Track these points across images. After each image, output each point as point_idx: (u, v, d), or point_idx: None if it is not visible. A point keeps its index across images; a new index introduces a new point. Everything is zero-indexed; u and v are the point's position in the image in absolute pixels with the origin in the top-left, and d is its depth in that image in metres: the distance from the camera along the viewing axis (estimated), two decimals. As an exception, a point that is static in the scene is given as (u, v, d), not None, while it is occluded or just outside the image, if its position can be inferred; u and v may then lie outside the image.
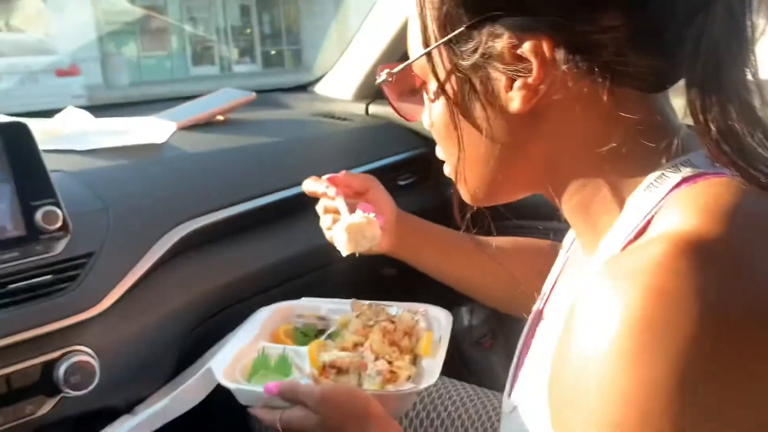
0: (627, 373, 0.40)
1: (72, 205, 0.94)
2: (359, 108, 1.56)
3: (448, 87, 0.57)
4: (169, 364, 1.02)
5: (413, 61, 0.59)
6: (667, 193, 0.50)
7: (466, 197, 0.64)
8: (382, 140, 1.40)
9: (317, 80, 1.73)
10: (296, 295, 1.18)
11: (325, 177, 0.97)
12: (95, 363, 0.91)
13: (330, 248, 1.22)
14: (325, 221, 0.98)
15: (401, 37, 1.41)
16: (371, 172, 1.32)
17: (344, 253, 0.89)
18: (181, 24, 14.09)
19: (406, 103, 0.70)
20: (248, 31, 14.50)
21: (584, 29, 0.49)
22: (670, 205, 0.49)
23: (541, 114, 0.54)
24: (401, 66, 0.64)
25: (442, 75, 0.57)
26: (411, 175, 1.41)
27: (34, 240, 0.89)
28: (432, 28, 0.56)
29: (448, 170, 0.64)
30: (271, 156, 1.26)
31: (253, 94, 1.42)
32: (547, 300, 0.72)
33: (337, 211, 0.94)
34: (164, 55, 14.21)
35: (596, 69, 0.50)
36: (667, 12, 0.49)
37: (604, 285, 0.44)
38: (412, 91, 0.67)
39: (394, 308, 1.00)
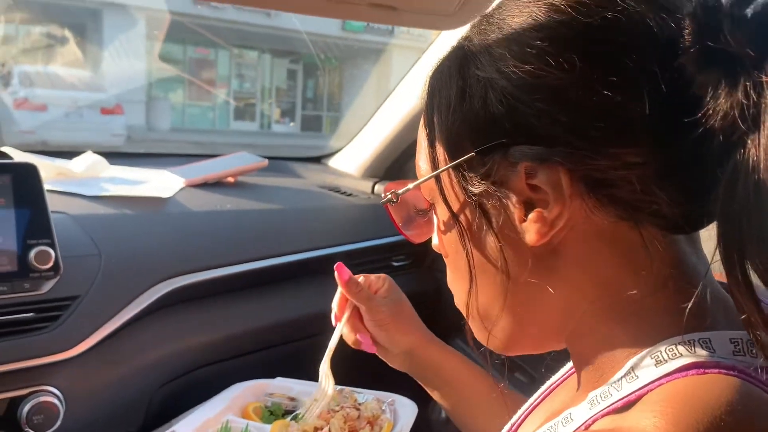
0: None
1: (67, 247, 0.98)
2: (366, 186, 1.60)
3: (460, 212, 0.52)
4: (135, 417, 1.03)
5: (420, 183, 0.56)
6: (672, 373, 0.44)
7: (481, 338, 0.57)
8: (382, 220, 1.42)
9: (332, 153, 1.78)
10: (272, 363, 1.19)
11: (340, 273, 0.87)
12: (60, 406, 0.92)
13: (313, 320, 1.24)
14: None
15: (414, 124, 1.46)
16: (367, 250, 1.34)
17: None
18: (229, 79, 14.55)
19: (412, 224, 0.65)
20: (291, 93, 14.90)
21: (605, 164, 0.44)
22: (665, 393, 0.43)
23: (557, 249, 0.48)
24: (407, 187, 0.60)
25: (451, 200, 0.52)
26: (406, 258, 1.43)
27: (24, 277, 0.92)
28: (440, 150, 0.52)
29: (458, 303, 0.58)
30: (270, 222, 1.30)
31: (265, 161, 1.47)
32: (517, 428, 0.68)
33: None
34: (208, 106, 14.62)
35: (618, 205, 0.45)
36: (699, 149, 0.43)
37: None
38: (420, 211, 0.63)
39: (363, 395, 1.01)
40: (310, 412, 0.90)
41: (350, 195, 1.51)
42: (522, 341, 0.55)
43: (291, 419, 0.98)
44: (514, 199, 0.48)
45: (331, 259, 1.30)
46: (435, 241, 0.61)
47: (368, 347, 0.88)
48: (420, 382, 0.92)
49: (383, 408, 0.99)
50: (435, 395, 0.92)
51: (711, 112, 0.41)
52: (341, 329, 0.87)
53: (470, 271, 0.53)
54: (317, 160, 1.80)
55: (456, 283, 0.57)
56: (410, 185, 0.59)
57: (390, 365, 0.91)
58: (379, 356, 0.91)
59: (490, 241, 0.51)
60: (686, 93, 0.42)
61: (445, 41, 1.42)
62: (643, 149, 0.44)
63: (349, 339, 0.89)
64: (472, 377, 0.89)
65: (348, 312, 0.87)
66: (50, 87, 8.35)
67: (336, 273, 0.86)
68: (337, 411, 0.95)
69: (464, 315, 0.57)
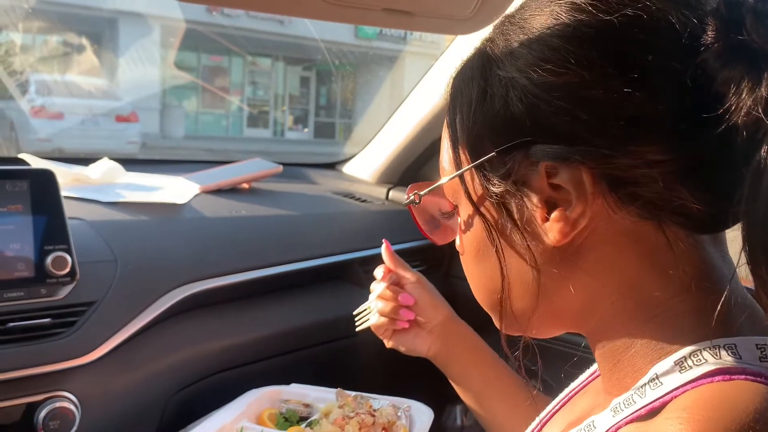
0: None
1: (83, 253, 0.98)
2: (380, 192, 1.60)
3: (483, 211, 0.52)
4: (150, 423, 1.03)
5: (442, 183, 0.56)
6: (698, 379, 0.43)
7: (499, 324, 0.57)
8: (397, 226, 1.43)
9: (347, 160, 1.78)
10: (287, 370, 1.18)
11: (385, 250, 0.99)
12: (76, 412, 0.92)
13: (329, 326, 1.24)
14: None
15: (428, 129, 1.46)
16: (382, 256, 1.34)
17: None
18: (242, 86, 14.64)
19: (435, 225, 0.66)
20: (304, 100, 14.98)
21: (627, 162, 0.44)
22: (691, 400, 0.42)
23: (580, 249, 0.48)
24: (430, 187, 0.60)
25: (474, 200, 0.53)
26: (421, 264, 1.43)
27: (41, 282, 0.93)
28: (462, 151, 0.52)
29: (481, 299, 0.58)
30: (285, 228, 1.29)
31: (280, 167, 1.48)
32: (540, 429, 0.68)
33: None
34: (222, 113, 14.72)
35: (641, 203, 0.45)
36: (723, 146, 0.42)
37: None
38: (444, 213, 0.63)
39: (379, 401, 1.00)
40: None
41: (365, 201, 1.51)
42: (538, 328, 0.55)
43: (306, 426, 0.97)
44: (535, 198, 0.48)
45: (346, 265, 1.31)
46: (458, 241, 0.61)
47: (407, 314, 0.94)
48: (447, 370, 0.94)
49: (399, 414, 0.98)
50: (460, 389, 0.93)
51: (734, 108, 0.40)
52: (383, 288, 0.96)
53: (501, 270, 0.52)
54: (331, 166, 1.80)
55: (476, 282, 0.57)
56: (433, 185, 0.59)
57: (419, 352, 0.94)
58: (408, 349, 0.94)
59: (513, 241, 0.51)
60: (709, 89, 0.42)
61: (459, 47, 1.42)
62: (665, 146, 0.44)
63: (386, 309, 0.94)
64: (497, 359, 0.93)
65: (387, 282, 0.96)
66: (66, 95, 8.44)
67: (383, 245, 0.98)
68: (352, 417, 0.94)
69: (489, 312, 0.57)
